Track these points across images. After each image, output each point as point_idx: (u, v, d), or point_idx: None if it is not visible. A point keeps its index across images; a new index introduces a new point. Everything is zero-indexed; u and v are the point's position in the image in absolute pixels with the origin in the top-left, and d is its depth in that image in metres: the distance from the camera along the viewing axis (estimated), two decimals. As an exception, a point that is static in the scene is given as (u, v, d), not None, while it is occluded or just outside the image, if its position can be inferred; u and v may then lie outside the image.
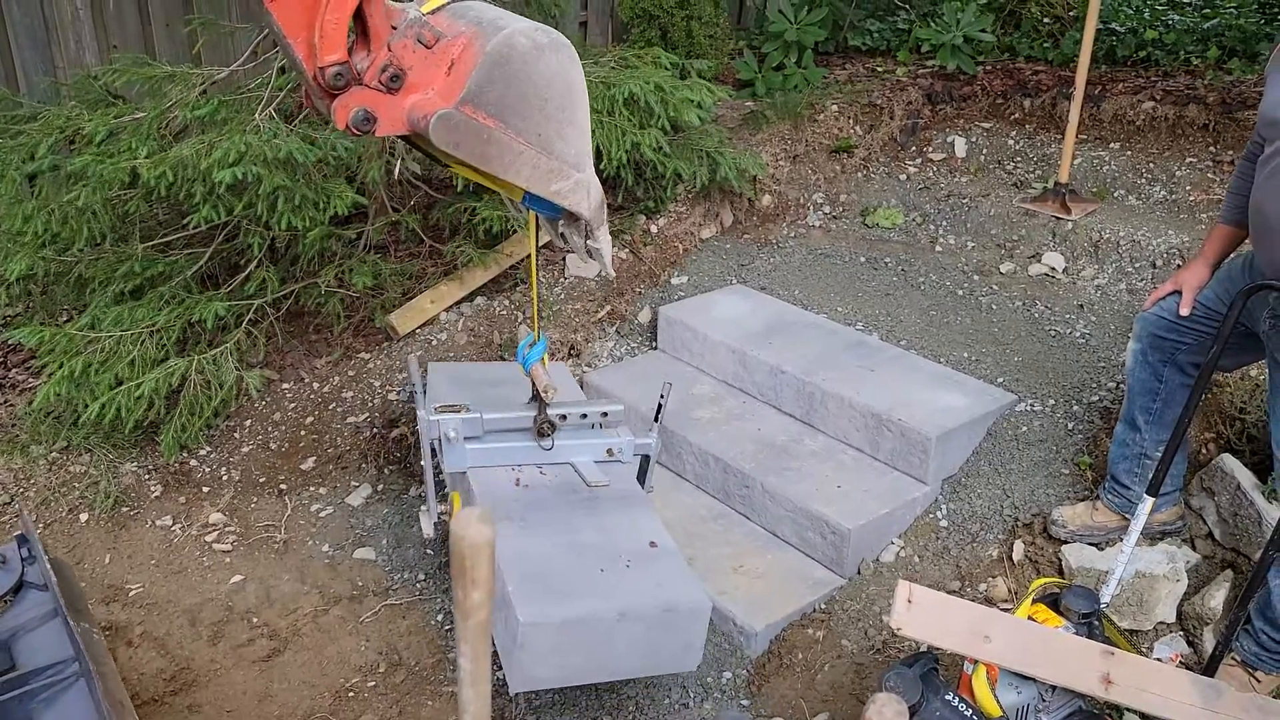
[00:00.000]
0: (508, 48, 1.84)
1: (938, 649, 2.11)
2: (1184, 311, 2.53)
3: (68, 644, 1.79)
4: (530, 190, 2.02)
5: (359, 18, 1.76)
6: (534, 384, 2.51)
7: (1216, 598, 2.63)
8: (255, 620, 2.99)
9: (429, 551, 3.22)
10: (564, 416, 2.58)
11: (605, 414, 2.62)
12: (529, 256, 4.11)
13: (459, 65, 1.84)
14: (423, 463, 2.63)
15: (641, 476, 2.69)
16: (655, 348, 3.94)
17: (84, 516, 3.32)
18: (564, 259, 4.11)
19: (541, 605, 2.15)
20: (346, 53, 1.76)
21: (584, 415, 2.61)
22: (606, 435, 2.65)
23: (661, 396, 2.65)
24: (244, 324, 3.63)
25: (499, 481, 2.57)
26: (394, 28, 1.83)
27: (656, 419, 2.66)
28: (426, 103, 1.84)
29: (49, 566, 1.91)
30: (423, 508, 2.66)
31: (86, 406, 3.25)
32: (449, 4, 1.93)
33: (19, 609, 1.91)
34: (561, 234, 2.27)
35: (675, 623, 2.23)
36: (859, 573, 2.98)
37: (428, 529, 2.60)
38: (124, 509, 3.37)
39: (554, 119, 1.95)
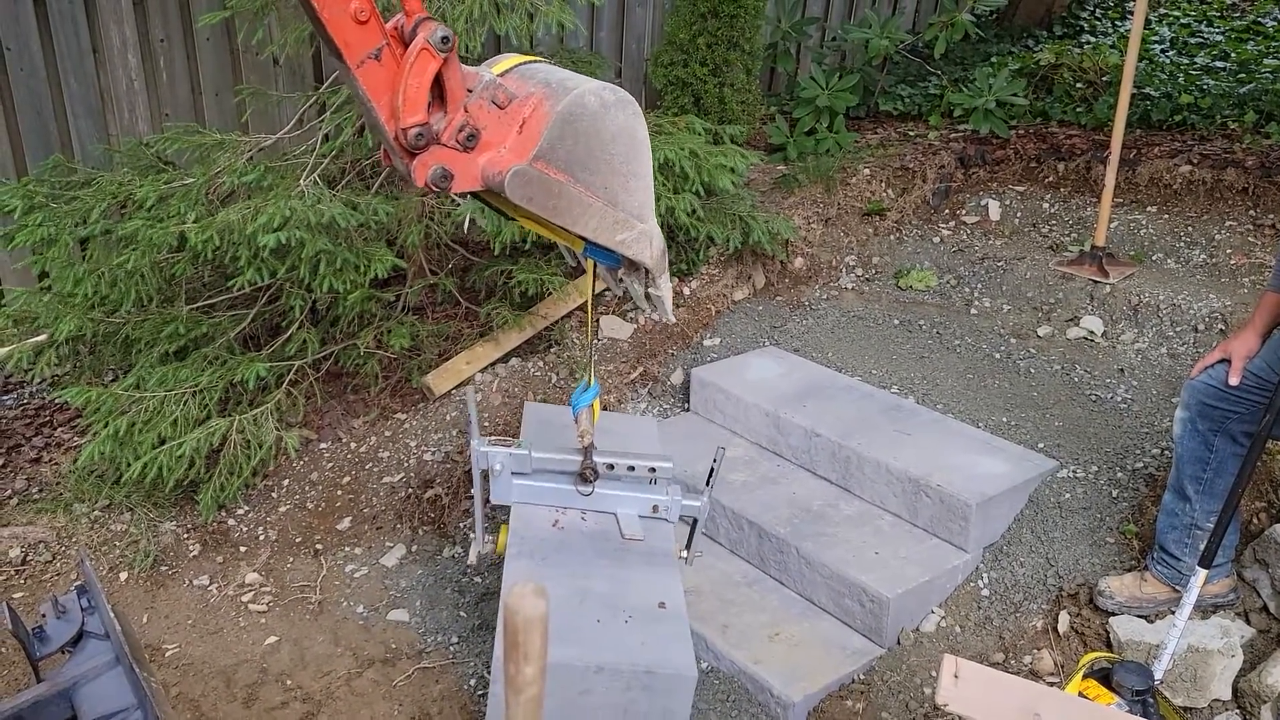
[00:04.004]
0: (579, 107, 1.91)
1: (984, 725, 2.05)
2: (1233, 381, 2.49)
3: (129, 692, 1.78)
4: (597, 241, 2.06)
5: (437, 82, 1.83)
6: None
7: (1274, 674, 2.54)
8: (289, 683, 2.97)
9: (461, 614, 3.20)
10: (611, 466, 2.59)
11: (654, 469, 2.62)
12: (566, 316, 4.16)
13: (530, 124, 1.91)
14: (472, 492, 2.64)
15: (688, 541, 2.67)
16: (687, 409, 3.94)
17: (124, 575, 3.34)
18: (598, 319, 4.14)
19: None
20: (426, 114, 1.82)
21: (631, 468, 2.61)
22: (655, 491, 2.65)
23: (714, 461, 2.63)
24: (284, 384, 3.67)
25: (537, 520, 2.59)
26: (469, 90, 1.90)
27: (708, 483, 2.63)
28: (500, 159, 1.91)
29: (112, 615, 1.92)
30: (472, 535, 2.67)
31: (129, 465, 3.29)
32: (518, 66, 2.01)
33: (79, 659, 1.92)
34: (620, 280, 2.30)
35: (655, 686, 2.19)
36: (899, 642, 2.92)
37: (472, 557, 2.63)
38: (163, 568, 3.38)
39: (619, 172, 2.01)
